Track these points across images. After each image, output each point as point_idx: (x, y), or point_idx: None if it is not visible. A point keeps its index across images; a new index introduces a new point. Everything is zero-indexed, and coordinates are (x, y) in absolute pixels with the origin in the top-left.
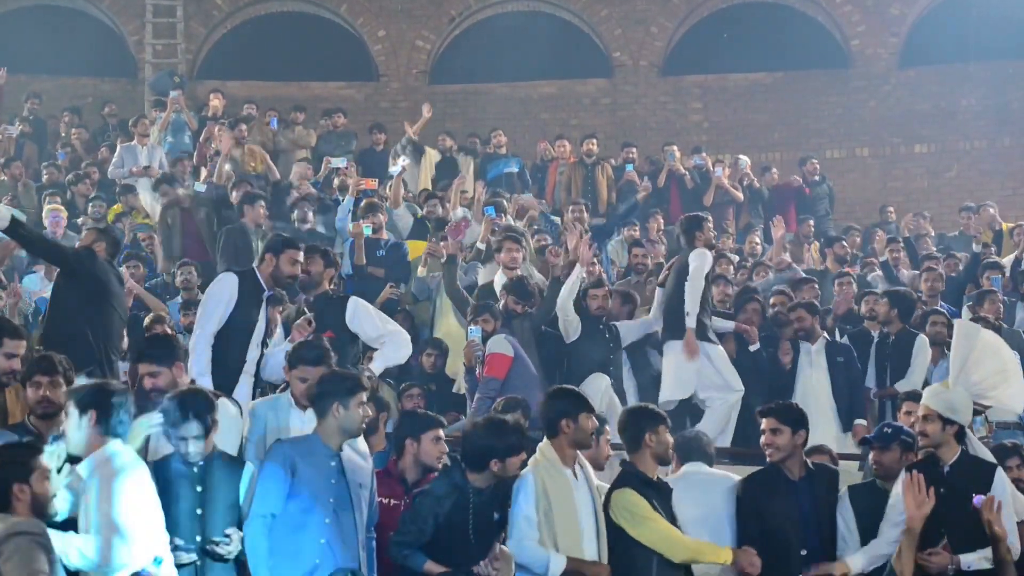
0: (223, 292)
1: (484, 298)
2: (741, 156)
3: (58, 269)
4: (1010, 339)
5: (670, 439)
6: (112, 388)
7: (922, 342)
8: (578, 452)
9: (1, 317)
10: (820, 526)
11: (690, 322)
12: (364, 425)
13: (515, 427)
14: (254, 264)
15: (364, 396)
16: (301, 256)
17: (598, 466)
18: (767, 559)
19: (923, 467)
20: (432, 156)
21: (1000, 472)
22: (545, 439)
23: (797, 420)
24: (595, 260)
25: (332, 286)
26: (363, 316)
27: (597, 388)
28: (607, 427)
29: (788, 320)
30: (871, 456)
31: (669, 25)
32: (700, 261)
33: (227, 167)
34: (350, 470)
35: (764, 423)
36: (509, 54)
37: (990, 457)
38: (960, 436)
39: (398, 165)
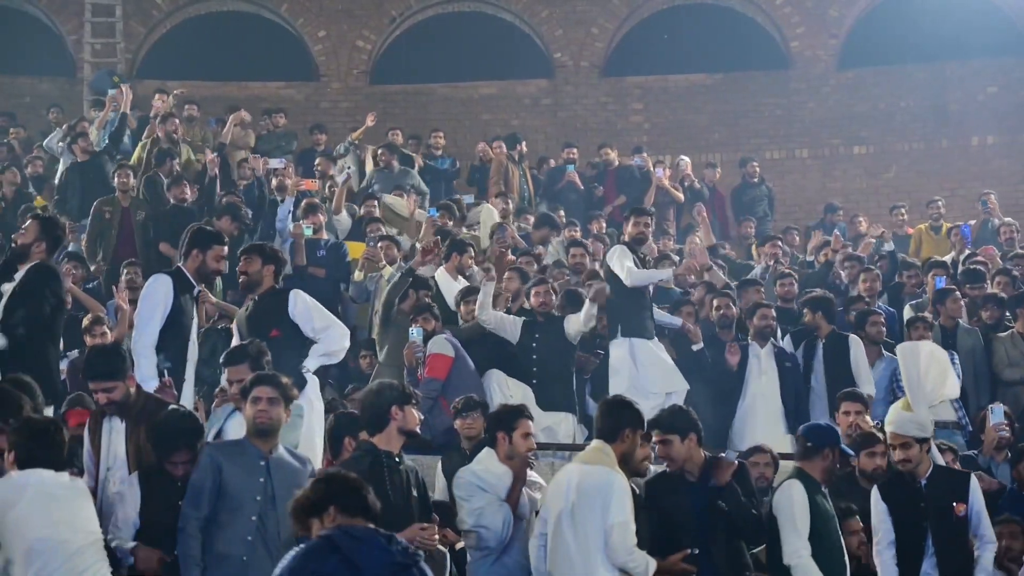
0: (158, 294)
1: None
2: (683, 157)
3: None
4: (966, 337)
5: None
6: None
7: (856, 343)
8: None
9: None
10: (715, 526)
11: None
12: (260, 422)
13: (401, 385)
14: (180, 263)
15: (262, 392)
16: (226, 251)
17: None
18: (658, 554)
19: (899, 484)
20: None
21: (973, 479)
22: (603, 442)
23: (684, 426)
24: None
25: (278, 283)
26: (303, 308)
27: (495, 382)
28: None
29: (731, 322)
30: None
31: (610, 26)
32: (615, 258)
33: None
34: (279, 472)
35: (653, 436)
36: (450, 55)
37: (942, 461)
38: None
39: (344, 172)
